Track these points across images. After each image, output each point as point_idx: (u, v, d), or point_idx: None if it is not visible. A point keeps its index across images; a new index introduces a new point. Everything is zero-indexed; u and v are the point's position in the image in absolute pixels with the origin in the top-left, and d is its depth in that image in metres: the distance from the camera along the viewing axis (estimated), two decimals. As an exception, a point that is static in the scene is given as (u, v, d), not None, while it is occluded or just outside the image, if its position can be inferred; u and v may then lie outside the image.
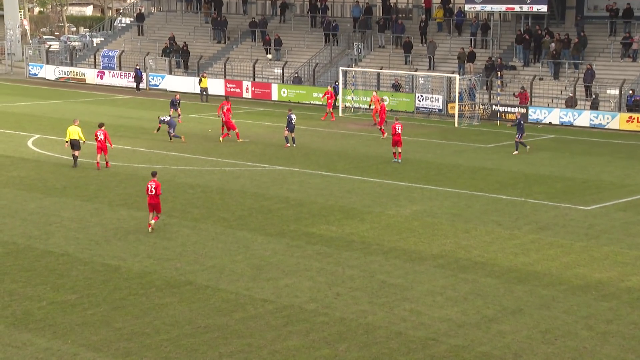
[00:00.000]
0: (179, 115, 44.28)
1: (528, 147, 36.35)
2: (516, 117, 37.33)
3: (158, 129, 38.99)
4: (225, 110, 38.73)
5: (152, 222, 22.99)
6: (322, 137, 40.55)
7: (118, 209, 25.52)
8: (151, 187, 22.89)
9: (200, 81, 55.32)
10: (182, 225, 23.74)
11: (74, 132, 31.68)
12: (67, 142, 32.02)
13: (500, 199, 27.59)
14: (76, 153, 31.73)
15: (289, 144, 36.96)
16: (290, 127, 36.69)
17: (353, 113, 48.90)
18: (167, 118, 38.35)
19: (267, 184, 29.46)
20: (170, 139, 37.46)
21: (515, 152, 35.99)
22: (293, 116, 36.75)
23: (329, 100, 46.21)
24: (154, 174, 23.32)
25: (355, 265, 20.29)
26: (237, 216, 24.84)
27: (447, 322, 16.73)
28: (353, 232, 23.17)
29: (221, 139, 38.23)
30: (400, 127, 33.62)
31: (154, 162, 33.12)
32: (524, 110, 45.89)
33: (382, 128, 40.09)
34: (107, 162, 32.15)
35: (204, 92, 54.42)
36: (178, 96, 45.56)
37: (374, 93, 45.08)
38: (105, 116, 43.68)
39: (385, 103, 43.32)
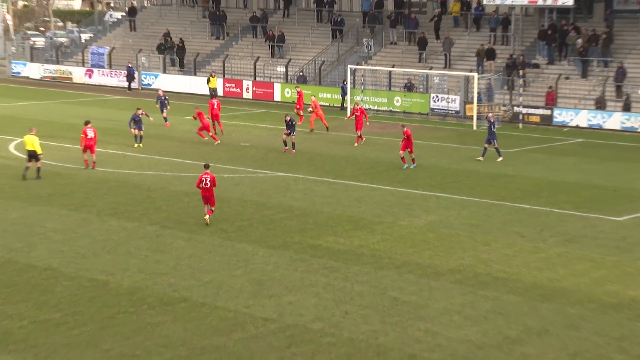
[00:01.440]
0: (165, 118, 43.90)
1: (501, 157, 35.09)
2: (488, 118, 35.72)
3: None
4: (215, 107, 40.60)
5: (207, 217, 24.59)
6: (328, 141, 40.45)
7: (107, 219, 25.45)
8: (205, 180, 24.51)
9: (208, 81, 55.16)
10: (177, 237, 23.65)
11: (30, 142, 30.57)
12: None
13: (523, 208, 27.44)
14: (31, 164, 30.48)
15: (287, 148, 36.94)
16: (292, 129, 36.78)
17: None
18: (139, 116, 37.65)
19: (269, 191, 29.38)
20: (137, 142, 37.36)
21: (480, 158, 35.08)
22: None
23: (299, 101, 45.27)
24: (207, 167, 25.12)
25: (365, 280, 20.18)
26: (237, 227, 24.76)
27: (466, 344, 16.57)
28: (362, 245, 23.07)
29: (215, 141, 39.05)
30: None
31: (146, 168, 33.09)
32: (535, 110, 45.68)
33: (360, 134, 39.43)
34: (94, 163, 32.33)
35: (213, 93, 53.92)
36: (161, 92, 45.07)
37: (312, 97, 43.97)
38: (94, 119, 43.54)
39: (364, 107, 42.79)
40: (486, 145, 35.29)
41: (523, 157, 36.60)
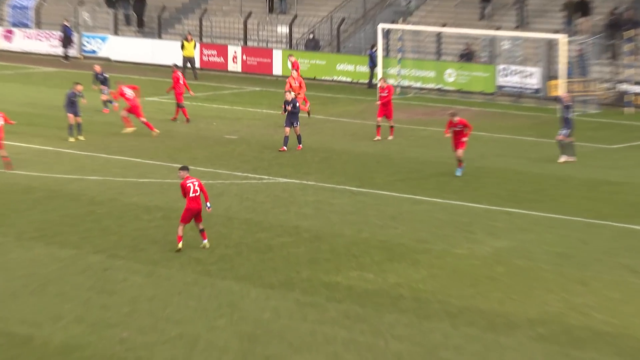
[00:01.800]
0: (107, 101, 43.95)
1: (572, 158, 35.20)
2: (561, 100, 35.72)
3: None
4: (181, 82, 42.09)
5: (205, 241, 25.16)
6: (350, 134, 40.52)
7: (31, 245, 25.43)
8: (194, 186, 24.75)
9: (182, 46, 55.40)
10: (132, 271, 23.59)
11: None
12: None
13: (634, 230, 27.39)
14: None
15: (285, 148, 36.89)
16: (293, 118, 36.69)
17: (399, 95, 48.73)
18: (76, 94, 38.10)
19: (266, 205, 29.42)
20: (74, 134, 37.91)
21: (563, 159, 35.13)
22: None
23: (293, 78, 43.19)
24: (186, 169, 25.20)
25: (404, 335, 20.05)
26: (218, 256, 24.69)
27: None
28: (401, 283, 22.98)
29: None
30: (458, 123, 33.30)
31: (89, 172, 33.13)
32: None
33: (379, 125, 39.21)
34: (6, 159, 32.65)
35: (190, 64, 54.25)
36: (99, 67, 45.62)
37: (294, 72, 43.05)
38: (12, 101, 43.69)
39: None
40: (569, 139, 35.33)
41: (634, 157, 36.49)
